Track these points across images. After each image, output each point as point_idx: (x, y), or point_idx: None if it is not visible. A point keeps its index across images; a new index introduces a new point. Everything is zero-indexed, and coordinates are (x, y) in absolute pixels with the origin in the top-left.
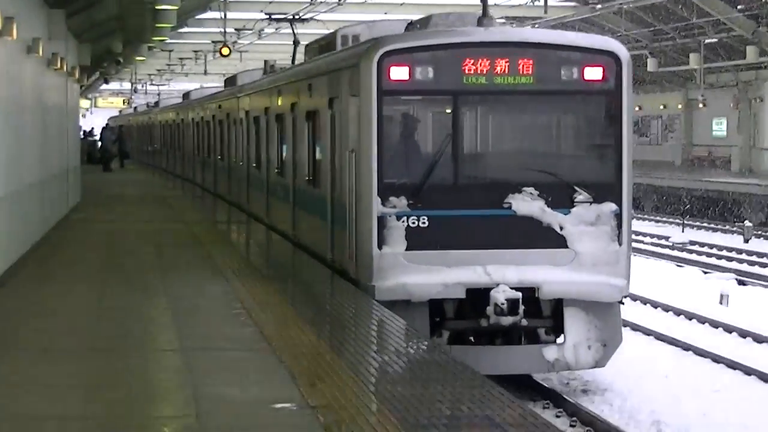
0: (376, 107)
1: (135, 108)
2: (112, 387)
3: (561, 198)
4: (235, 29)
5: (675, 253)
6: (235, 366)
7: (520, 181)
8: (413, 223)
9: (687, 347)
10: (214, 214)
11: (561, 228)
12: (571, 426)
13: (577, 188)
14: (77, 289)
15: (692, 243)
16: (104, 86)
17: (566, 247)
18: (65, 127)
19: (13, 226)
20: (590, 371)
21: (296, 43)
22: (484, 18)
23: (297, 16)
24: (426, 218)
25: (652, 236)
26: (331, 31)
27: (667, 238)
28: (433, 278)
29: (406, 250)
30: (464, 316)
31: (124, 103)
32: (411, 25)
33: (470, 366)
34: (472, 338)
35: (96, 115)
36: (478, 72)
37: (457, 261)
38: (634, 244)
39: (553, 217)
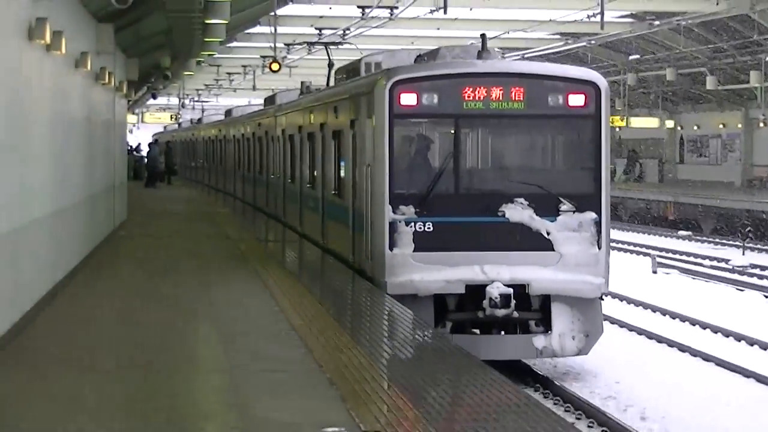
0: (388, 128)
1: (179, 124)
2: (158, 406)
3: (548, 207)
4: (285, 44)
5: (735, 276)
6: (284, 386)
7: (513, 193)
8: (420, 228)
9: (749, 374)
10: (257, 229)
11: (548, 233)
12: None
13: (561, 199)
14: (122, 306)
15: (753, 266)
16: (151, 101)
17: (552, 249)
18: (112, 142)
19: (61, 242)
20: (647, 398)
21: (331, 65)
22: (483, 51)
23: (344, 31)
24: (431, 224)
25: (711, 259)
26: (363, 54)
27: (726, 261)
28: (436, 276)
29: (414, 251)
30: (464, 309)
31: (171, 118)
32: (420, 57)
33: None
34: (476, 329)
35: (143, 130)
36: (476, 98)
37: (458, 261)
38: (692, 267)
39: (541, 224)
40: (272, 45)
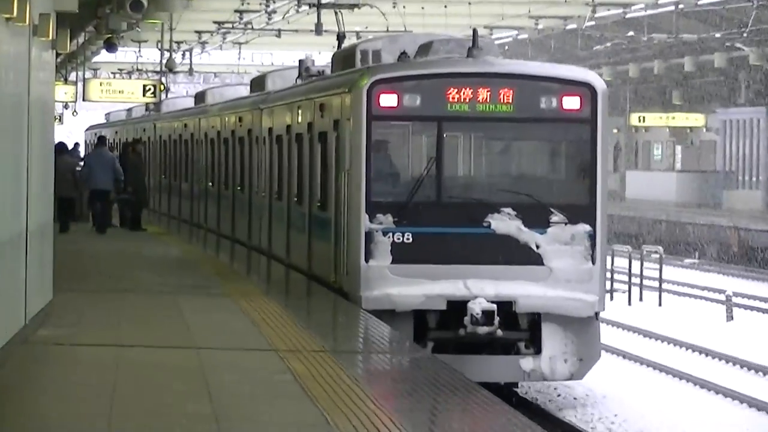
0: (366, 131)
1: (129, 109)
2: None
3: (537, 218)
4: None
5: None
6: None
7: (499, 202)
8: (398, 238)
9: None
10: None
11: (537, 246)
12: None
13: (552, 210)
14: None
15: None
16: (105, 57)
17: (542, 264)
18: (22, 142)
19: None
20: None
21: (341, 37)
22: (473, 48)
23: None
24: (410, 234)
25: None
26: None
27: None
28: (416, 290)
29: (392, 263)
30: (446, 327)
31: (146, 92)
32: (403, 54)
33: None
34: (459, 348)
35: (86, 114)
36: (461, 100)
37: (439, 275)
38: None
39: (529, 236)
40: None
